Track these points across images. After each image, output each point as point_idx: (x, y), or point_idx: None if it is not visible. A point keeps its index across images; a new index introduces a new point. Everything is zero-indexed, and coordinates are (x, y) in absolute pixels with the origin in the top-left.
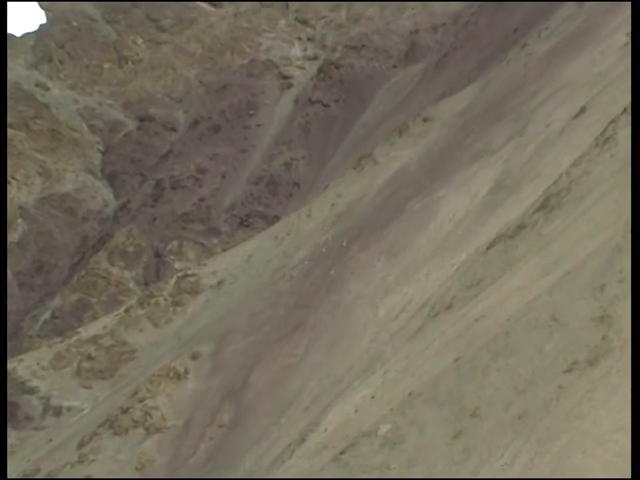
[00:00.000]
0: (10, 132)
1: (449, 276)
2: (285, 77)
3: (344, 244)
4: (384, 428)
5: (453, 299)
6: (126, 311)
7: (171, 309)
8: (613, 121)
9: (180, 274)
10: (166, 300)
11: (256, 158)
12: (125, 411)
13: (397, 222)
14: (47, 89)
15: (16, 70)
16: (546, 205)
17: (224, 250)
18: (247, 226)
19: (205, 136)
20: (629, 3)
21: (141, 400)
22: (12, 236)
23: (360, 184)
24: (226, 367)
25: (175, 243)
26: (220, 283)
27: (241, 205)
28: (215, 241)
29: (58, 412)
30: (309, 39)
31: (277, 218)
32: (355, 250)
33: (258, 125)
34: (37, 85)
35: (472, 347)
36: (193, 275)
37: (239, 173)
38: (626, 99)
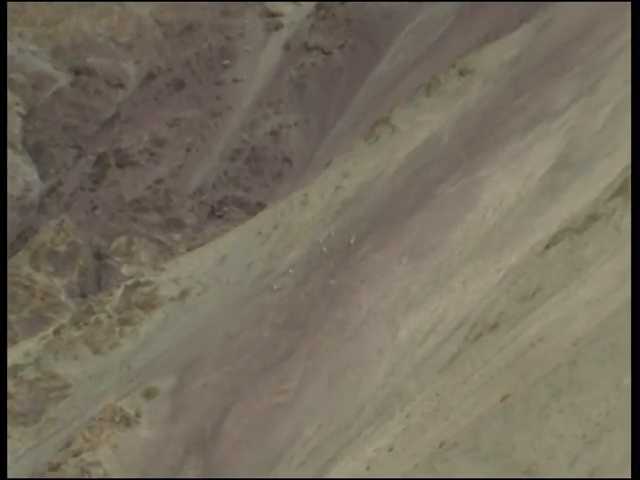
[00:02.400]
0: None
1: (494, 285)
2: (272, 15)
3: (352, 242)
4: None
5: (500, 316)
6: (56, 332)
7: (117, 330)
8: None
9: (129, 282)
10: (110, 317)
11: (233, 125)
12: (55, 468)
13: (424, 212)
14: None
15: None
16: (626, 188)
17: (189, 250)
18: (220, 217)
19: (163, 95)
20: None
21: (77, 453)
22: None
23: (374, 160)
24: (192, 408)
25: (123, 240)
26: (184, 294)
27: (212, 189)
28: (177, 237)
29: None
30: None
31: (261, 206)
32: (367, 250)
33: (235, 80)
34: None
35: (526, 381)
36: (147, 283)
37: (210, 145)
38: None
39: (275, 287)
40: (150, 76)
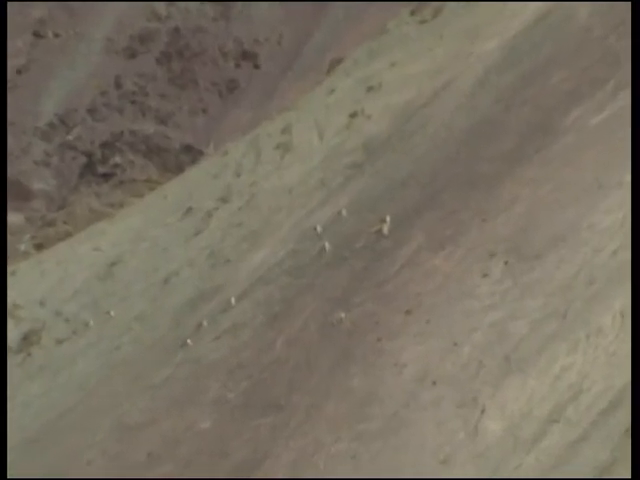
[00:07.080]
0: None
1: None
2: None
3: (385, 230)
4: None
5: None
6: None
7: None
8: None
9: None
10: None
11: None
12: None
13: (536, 167)
14: None
15: None
16: None
17: (38, 247)
18: (106, 177)
19: None
20: None
21: None
22: None
23: (431, 55)
24: None
25: None
26: (28, 341)
27: (89, 116)
28: (15, 220)
29: None
30: None
31: (193, 153)
32: (417, 246)
33: None
34: None
35: None
36: None
37: (82, 25)
38: None
39: (221, 327)
40: None
